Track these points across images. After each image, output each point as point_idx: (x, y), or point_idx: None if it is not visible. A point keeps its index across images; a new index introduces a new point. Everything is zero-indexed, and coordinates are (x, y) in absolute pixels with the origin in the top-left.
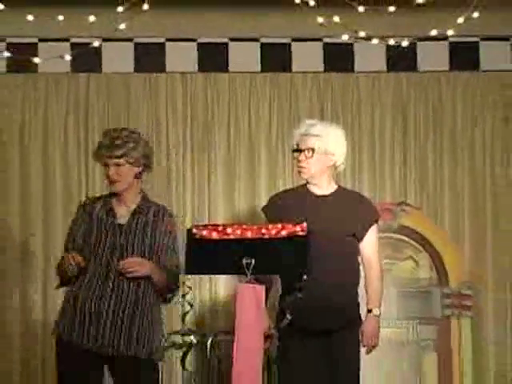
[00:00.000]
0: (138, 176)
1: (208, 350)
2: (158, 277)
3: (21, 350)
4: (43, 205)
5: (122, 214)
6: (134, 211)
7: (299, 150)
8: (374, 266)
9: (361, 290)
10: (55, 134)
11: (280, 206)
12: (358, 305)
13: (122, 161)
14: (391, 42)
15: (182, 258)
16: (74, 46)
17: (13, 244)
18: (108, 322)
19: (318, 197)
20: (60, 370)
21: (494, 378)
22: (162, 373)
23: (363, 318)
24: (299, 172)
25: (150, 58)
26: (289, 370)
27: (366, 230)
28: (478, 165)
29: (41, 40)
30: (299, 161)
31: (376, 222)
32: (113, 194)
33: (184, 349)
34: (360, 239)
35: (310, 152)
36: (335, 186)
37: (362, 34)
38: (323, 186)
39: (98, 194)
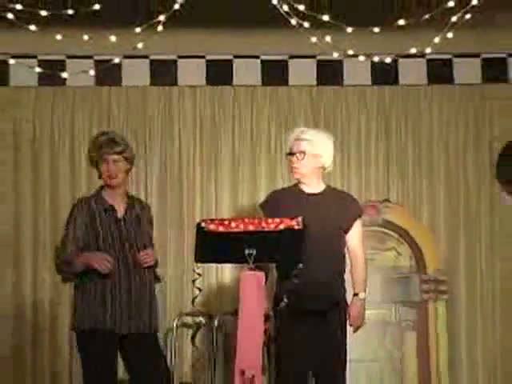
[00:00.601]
0: (128, 172)
1: (215, 329)
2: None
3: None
4: (70, 203)
5: (118, 208)
6: (126, 205)
7: (292, 154)
8: (359, 256)
9: (347, 276)
10: (81, 141)
11: (275, 203)
12: (345, 289)
13: (120, 157)
14: (376, 58)
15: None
16: (97, 62)
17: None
18: (130, 304)
19: (308, 195)
20: (85, 356)
21: (465, 352)
22: (174, 349)
23: (349, 301)
24: (294, 174)
25: (163, 72)
26: (285, 346)
27: (352, 224)
28: (452, 166)
29: (68, 57)
30: (292, 162)
31: (360, 216)
32: (102, 191)
33: (194, 328)
34: (346, 232)
35: (302, 155)
36: (324, 186)
37: (350, 51)
38: (313, 185)
39: (90, 193)
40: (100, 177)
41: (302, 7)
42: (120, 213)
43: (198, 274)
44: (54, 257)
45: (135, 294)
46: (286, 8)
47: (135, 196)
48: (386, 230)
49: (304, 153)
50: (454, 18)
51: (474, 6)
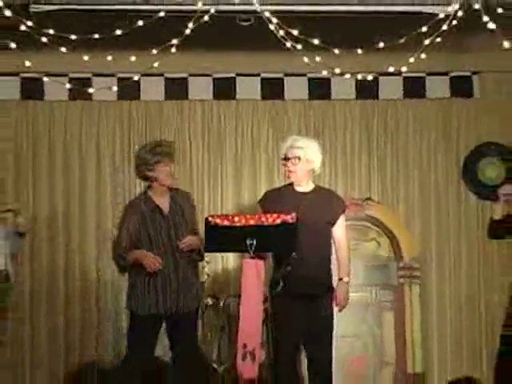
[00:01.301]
0: None
1: (221, 309)
2: (200, 244)
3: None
4: (96, 200)
5: (163, 205)
6: (170, 199)
7: (288, 159)
8: (343, 245)
9: (333, 264)
10: (105, 147)
11: (271, 200)
12: (331, 274)
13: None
14: (359, 76)
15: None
16: (119, 79)
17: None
18: (178, 291)
19: (300, 193)
20: (131, 333)
21: (436, 328)
22: None
23: (335, 285)
24: (288, 176)
25: (176, 88)
26: (280, 324)
27: (337, 218)
28: (424, 169)
29: (94, 75)
30: (288, 166)
31: (344, 212)
32: (148, 191)
33: (203, 308)
34: (332, 225)
35: (297, 160)
36: (313, 185)
37: (337, 70)
38: (304, 185)
39: (137, 196)
40: (151, 180)
41: (295, 32)
42: (166, 210)
43: (207, 262)
44: (112, 252)
45: (182, 280)
46: (281, 33)
47: (175, 189)
48: (368, 224)
49: (299, 158)
50: (426, 42)
51: (443, 31)
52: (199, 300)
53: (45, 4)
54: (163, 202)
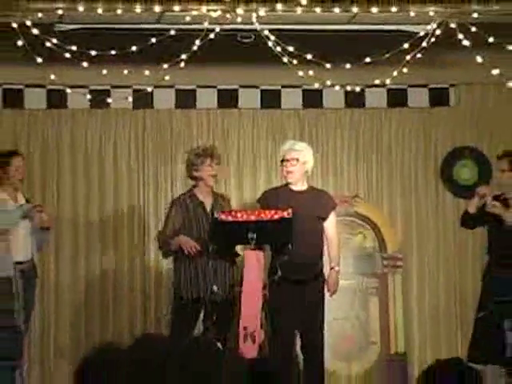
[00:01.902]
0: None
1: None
2: None
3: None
4: (114, 198)
5: (207, 202)
6: (213, 199)
7: (286, 160)
8: (334, 239)
9: (325, 255)
10: (122, 150)
11: (269, 198)
12: (323, 264)
13: (217, 162)
14: (348, 88)
15: None
16: (134, 90)
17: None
18: (215, 276)
19: (296, 192)
20: (174, 316)
21: (416, 312)
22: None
23: (327, 274)
24: (286, 176)
25: (185, 98)
26: (278, 308)
27: (328, 214)
28: (405, 171)
29: (112, 87)
30: (287, 167)
31: (334, 208)
32: (194, 189)
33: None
34: (324, 220)
35: (295, 161)
36: (307, 185)
37: (328, 82)
38: (299, 185)
39: (183, 193)
40: (197, 179)
41: (291, 48)
42: (208, 206)
43: (237, 255)
44: (157, 240)
45: (219, 268)
46: (278, 49)
47: (217, 192)
48: (356, 219)
49: (297, 160)
50: (407, 57)
51: (423, 48)
52: (232, 288)
53: (68, 23)
54: (207, 200)
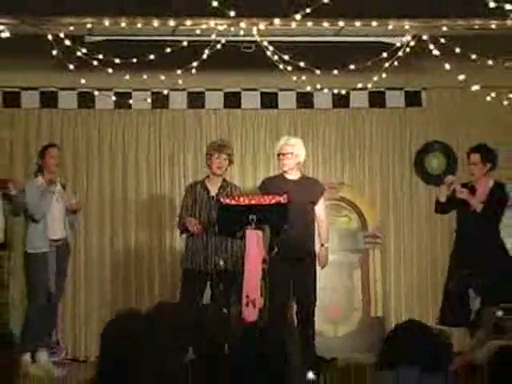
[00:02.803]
0: (227, 167)
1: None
2: None
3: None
4: (135, 186)
5: (213, 188)
6: (220, 186)
7: (282, 154)
8: (323, 220)
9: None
10: (141, 145)
11: (267, 185)
12: (314, 242)
13: (226, 156)
14: (335, 91)
15: None
16: (152, 93)
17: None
18: (219, 249)
19: (290, 180)
20: (182, 286)
21: (393, 283)
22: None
23: (317, 250)
24: (282, 167)
25: (196, 100)
26: (275, 280)
27: (318, 199)
28: (384, 161)
29: (133, 90)
30: (283, 160)
31: (323, 194)
32: (206, 178)
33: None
34: (315, 204)
35: (289, 155)
36: (299, 174)
37: (318, 86)
38: (293, 174)
39: (197, 179)
40: (210, 168)
41: (286, 57)
42: (213, 192)
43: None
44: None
45: (220, 245)
46: (276, 58)
47: (229, 181)
48: (342, 203)
49: (291, 153)
50: (386, 64)
51: (399, 57)
52: (233, 262)
53: (95, 35)
54: (213, 187)
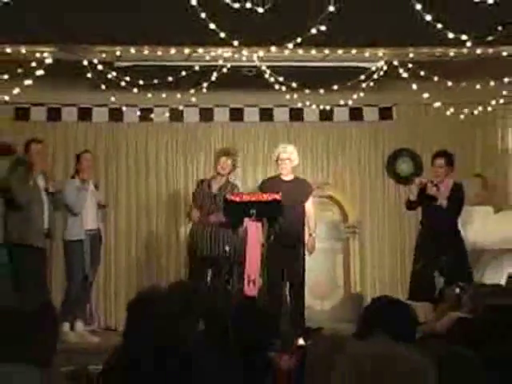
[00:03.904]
0: (231, 170)
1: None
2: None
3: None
4: (157, 187)
5: (215, 186)
6: (222, 185)
7: (280, 159)
8: (311, 214)
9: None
10: (161, 152)
11: (266, 185)
12: (304, 232)
13: (231, 160)
14: (321, 107)
15: None
16: (170, 109)
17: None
18: (215, 239)
19: (285, 181)
20: (190, 268)
21: (369, 266)
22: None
23: (306, 239)
24: (282, 170)
25: (206, 114)
26: (271, 263)
27: (308, 197)
28: (362, 164)
29: (155, 106)
30: (281, 164)
31: (311, 192)
32: (213, 177)
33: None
34: (305, 202)
35: (288, 160)
36: (293, 176)
37: (307, 103)
38: (288, 176)
39: (206, 177)
40: (216, 168)
41: (281, 79)
42: (214, 190)
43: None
44: None
45: (220, 234)
46: (272, 79)
47: (231, 181)
48: (327, 200)
49: (289, 159)
50: (363, 85)
51: (374, 78)
52: (229, 249)
53: (123, 61)
54: (216, 185)
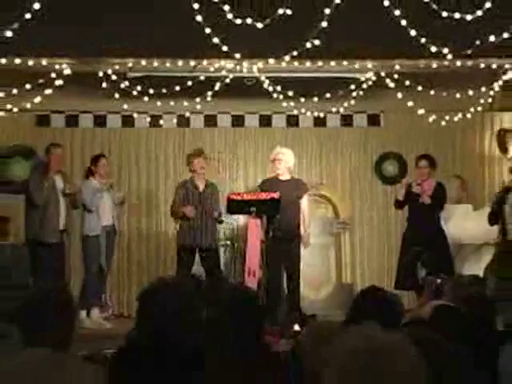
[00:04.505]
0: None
1: (235, 247)
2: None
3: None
4: (165, 186)
5: (201, 186)
6: (205, 185)
7: (276, 160)
8: (306, 211)
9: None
10: (169, 154)
11: (265, 185)
12: (300, 228)
13: (206, 160)
14: (315, 114)
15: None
16: (178, 116)
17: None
18: (205, 231)
19: (282, 181)
20: (179, 258)
21: (358, 258)
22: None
23: (302, 234)
24: (276, 170)
25: (210, 120)
26: (270, 256)
27: (303, 195)
28: (352, 166)
29: (164, 113)
30: (276, 165)
31: (306, 191)
32: (193, 177)
33: (224, 246)
34: (300, 199)
35: (281, 162)
36: (289, 176)
37: (302, 110)
38: (284, 176)
39: (186, 178)
40: (193, 171)
41: (279, 88)
42: (201, 189)
43: (220, 222)
44: (170, 210)
45: (207, 228)
46: (271, 88)
47: (208, 180)
48: (320, 198)
49: (283, 160)
50: (353, 94)
51: (363, 88)
52: (216, 241)
53: (134, 72)
54: (200, 185)
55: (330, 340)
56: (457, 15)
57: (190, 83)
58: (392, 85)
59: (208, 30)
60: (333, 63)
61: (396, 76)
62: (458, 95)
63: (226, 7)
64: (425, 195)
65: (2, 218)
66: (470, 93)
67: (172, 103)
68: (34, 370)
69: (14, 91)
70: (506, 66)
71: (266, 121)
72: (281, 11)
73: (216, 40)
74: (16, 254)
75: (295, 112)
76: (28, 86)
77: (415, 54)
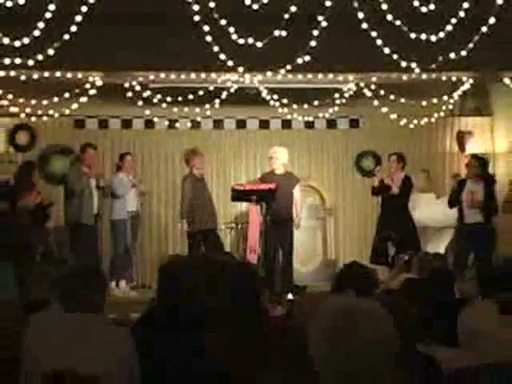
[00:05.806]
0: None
1: (239, 228)
2: None
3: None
4: (172, 182)
5: (201, 178)
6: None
7: (273, 158)
8: (298, 200)
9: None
10: (181, 153)
11: (264, 178)
12: (292, 213)
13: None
14: (306, 118)
15: None
16: (191, 120)
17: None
18: (211, 215)
19: (277, 174)
20: (189, 239)
21: (341, 238)
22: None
23: (294, 218)
24: (273, 165)
25: (218, 124)
26: (268, 236)
27: (295, 186)
28: (336, 161)
29: (179, 117)
30: (272, 162)
31: (298, 183)
32: (192, 172)
33: (229, 228)
34: (293, 189)
35: (278, 159)
36: (284, 170)
37: (295, 115)
38: (280, 170)
39: (215, 174)
40: (191, 168)
41: (275, 96)
42: (203, 180)
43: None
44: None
45: (212, 215)
46: (268, 97)
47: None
48: (309, 189)
49: (278, 158)
50: (337, 101)
51: (345, 97)
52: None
53: (155, 83)
54: (201, 177)
55: (317, 306)
56: (423, 36)
57: (201, 92)
58: (369, 94)
59: (216, 48)
60: (320, 76)
61: (373, 87)
62: (424, 103)
63: (231, 29)
64: (394, 186)
65: (50, 203)
66: (434, 101)
67: (186, 109)
68: (75, 330)
69: (55, 99)
70: (464, 79)
71: (264, 124)
72: (277, 33)
73: (223, 56)
74: (58, 235)
75: (289, 117)
76: (67, 95)
77: (388, 68)
